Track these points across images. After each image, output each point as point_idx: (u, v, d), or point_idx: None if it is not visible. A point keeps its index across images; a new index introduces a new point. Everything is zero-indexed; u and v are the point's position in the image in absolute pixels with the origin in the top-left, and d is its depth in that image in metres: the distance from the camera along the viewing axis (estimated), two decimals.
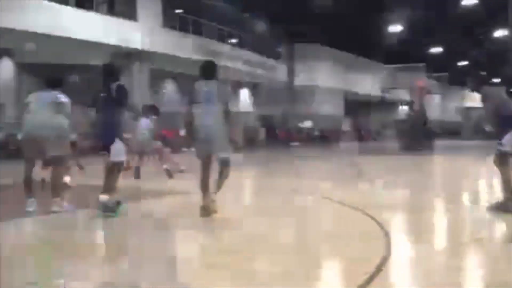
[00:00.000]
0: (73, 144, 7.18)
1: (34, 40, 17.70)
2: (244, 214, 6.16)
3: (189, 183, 8.47)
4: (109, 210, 5.82)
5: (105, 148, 6.02)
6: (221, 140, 5.89)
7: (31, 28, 16.64)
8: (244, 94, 32.03)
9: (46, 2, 17.45)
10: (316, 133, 31.60)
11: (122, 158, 6.10)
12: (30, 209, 6.03)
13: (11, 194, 6.65)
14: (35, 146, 6.26)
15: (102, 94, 6.17)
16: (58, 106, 6.31)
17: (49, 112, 6.22)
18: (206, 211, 5.86)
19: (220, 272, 3.77)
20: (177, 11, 23.85)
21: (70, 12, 18.22)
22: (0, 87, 19.06)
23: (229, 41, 27.18)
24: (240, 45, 27.72)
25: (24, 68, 20.50)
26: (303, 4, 25.64)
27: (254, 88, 32.62)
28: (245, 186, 10.13)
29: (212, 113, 5.84)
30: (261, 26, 29.47)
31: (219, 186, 5.96)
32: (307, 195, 8.05)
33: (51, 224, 5.76)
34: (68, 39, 17.85)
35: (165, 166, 10.35)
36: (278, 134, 29.73)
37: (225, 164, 5.95)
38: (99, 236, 5.20)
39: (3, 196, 7.18)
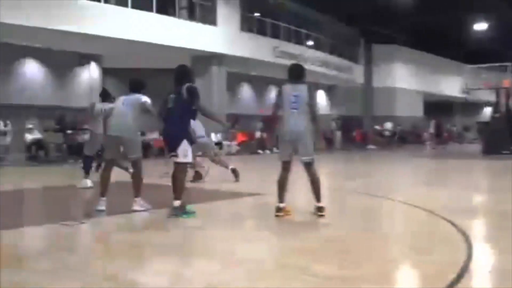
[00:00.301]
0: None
1: (119, 46, 18.54)
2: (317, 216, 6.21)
3: (258, 184, 8.66)
4: (182, 212, 6.06)
5: (172, 149, 6.18)
6: (308, 143, 6.07)
7: (116, 35, 17.44)
8: (321, 96, 31.92)
9: (129, 9, 18.23)
10: (395, 135, 30.89)
11: (189, 159, 6.28)
12: (101, 208, 6.37)
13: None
14: (117, 148, 6.64)
15: (171, 95, 6.33)
16: (141, 108, 6.62)
17: (131, 115, 6.53)
18: (281, 212, 6.03)
19: (292, 273, 3.88)
20: (254, 14, 24.14)
21: (153, 18, 18.90)
22: (91, 89, 20.05)
23: (306, 43, 27.17)
24: (317, 47, 27.64)
25: (110, 73, 21.53)
26: (380, 4, 25.20)
27: (331, 90, 32.42)
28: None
29: (301, 117, 6.03)
30: (338, 28, 29.28)
31: (317, 193, 6.10)
32: (382, 198, 8.00)
33: (136, 223, 6.05)
34: (150, 44, 18.53)
35: (231, 167, 10.44)
36: (355, 136, 29.37)
37: (308, 166, 6.12)
38: (176, 236, 5.41)
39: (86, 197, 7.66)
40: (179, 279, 3.88)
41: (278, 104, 6.15)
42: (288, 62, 23.92)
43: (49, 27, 15.72)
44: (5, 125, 16.03)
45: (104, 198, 6.44)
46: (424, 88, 35.38)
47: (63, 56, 18.79)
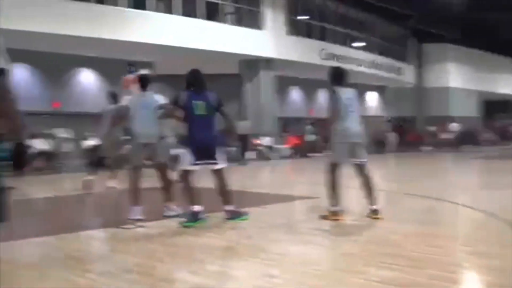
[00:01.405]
0: None
1: (169, 52, 18.88)
2: (372, 219, 6.14)
3: (309, 188, 8.61)
4: (236, 215, 6.12)
5: (210, 157, 6.14)
6: (363, 145, 6.20)
7: (166, 42, 17.80)
8: (371, 98, 31.57)
9: (178, 16, 18.56)
10: (451, 136, 30.04)
11: (226, 163, 6.32)
12: (139, 217, 6.23)
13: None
14: (145, 153, 6.54)
15: (195, 101, 6.14)
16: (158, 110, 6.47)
17: (153, 118, 6.44)
18: (335, 215, 6.01)
19: (348, 277, 3.85)
20: (301, 17, 24.11)
21: (201, 25, 19.17)
22: None
23: (355, 44, 26.93)
24: (365, 48, 27.37)
25: (160, 79, 21.90)
26: (431, 3, 24.72)
27: (381, 92, 32.00)
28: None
29: (357, 119, 6.17)
30: (386, 28, 28.89)
31: (371, 195, 6.13)
32: (440, 201, 7.83)
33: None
34: (199, 51, 18.79)
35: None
36: (408, 138, 28.82)
37: (363, 168, 6.17)
38: (230, 238, 5.45)
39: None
40: (233, 281, 3.91)
41: (335, 108, 6.13)
42: (335, 64, 24.00)
43: (102, 36, 16.22)
44: (65, 132, 16.60)
45: (138, 208, 6.31)
46: (479, 87, 34.38)
47: (115, 65, 19.28)
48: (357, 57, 25.91)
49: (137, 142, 6.49)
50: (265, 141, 21.57)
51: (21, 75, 16.47)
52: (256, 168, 17.70)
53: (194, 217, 5.93)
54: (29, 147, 13.36)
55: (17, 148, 2.42)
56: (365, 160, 6.18)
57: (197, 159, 6.03)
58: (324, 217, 6.11)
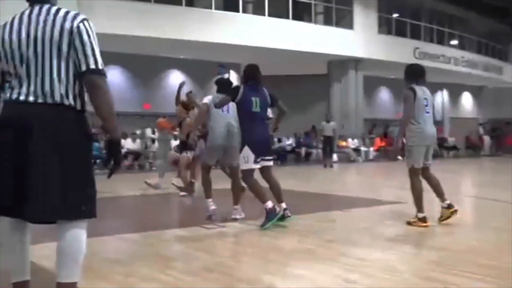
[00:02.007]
0: None
1: (257, 54, 19.13)
2: (458, 227, 5.92)
3: (397, 192, 8.41)
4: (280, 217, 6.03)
5: (267, 153, 6.24)
6: (433, 148, 6.23)
7: (254, 43, 18.06)
8: (466, 98, 30.33)
9: (266, 17, 18.77)
10: None
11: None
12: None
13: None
14: (219, 155, 6.68)
15: (253, 96, 6.12)
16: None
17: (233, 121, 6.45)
18: (422, 221, 5.88)
19: (432, 285, 3.76)
20: (393, 15, 23.63)
21: (289, 25, 19.26)
22: None
23: (449, 42, 26.00)
24: (462, 46, 26.32)
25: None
26: None
27: (477, 92, 30.63)
28: (459, 196, 9.67)
29: (431, 121, 6.09)
30: (485, 24, 27.58)
31: (440, 193, 6.07)
32: None
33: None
34: (287, 51, 18.90)
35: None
36: (507, 141, 27.41)
37: (428, 170, 6.15)
38: (311, 241, 5.45)
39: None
40: (311, 284, 3.92)
41: (413, 108, 5.99)
42: (430, 63, 23.29)
43: (191, 38, 16.75)
44: (153, 133, 17.30)
45: (213, 208, 6.59)
46: None
47: (203, 66, 19.82)
48: (453, 56, 24.99)
49: (215, 143, 6.59)
50: (352, 143, 21.35)
51: (114, 77, 17.34)
52: (342, 171, 17.55)
53: (271, 215, 5.90)
54: (122, 146, 14.08)
55: (111, 148, 2.58)
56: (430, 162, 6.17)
57: (257, 157, 6.02)
58: (410, 223, 5.99)
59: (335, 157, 19.42)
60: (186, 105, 9.09)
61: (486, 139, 26.73)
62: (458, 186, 11.62)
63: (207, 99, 6.84)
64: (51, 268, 3.48)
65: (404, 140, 6.18)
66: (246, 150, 5.97)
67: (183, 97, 9.34)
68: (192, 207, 8.53)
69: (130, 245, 5.41)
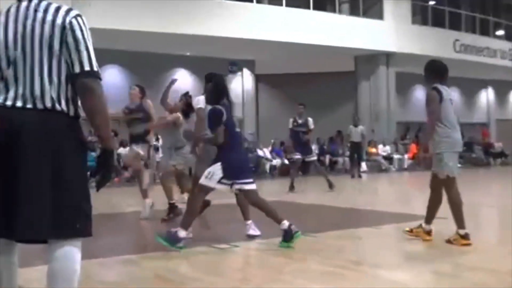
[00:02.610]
0: None
1: (273, 49, 19.22)
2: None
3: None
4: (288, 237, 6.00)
5: (248, 176, 6.29)
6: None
7: (270, 37, 18.13)
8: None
9: (284, 8, 18.84)
10: None
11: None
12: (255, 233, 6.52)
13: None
14: None
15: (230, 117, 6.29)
16: None
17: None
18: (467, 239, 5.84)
19: None
20: (429, 3, 23.58)
21: (310, 16, 19.30)
22: (244, 100, 20.98)
23: (495, 32, 25.84)
24: (509, 36, 26.14)
25: (263, 79, 22.39)
26: None
27: None
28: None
29: (458, 126, 6.11)
30: None
31: (458, 217, 5.96)
32: None
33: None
34: (308, 46, 18.96)
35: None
36: None
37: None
38: (331, 261, 5.47)
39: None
40: None
41: (439, 110, 5.99)
42: (473, 57, 23.18)
43: (198, 33, 16.85)
44: (157, 140, 17.38)
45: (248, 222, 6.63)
46: None
47: (212, 64, 19.87)
48: (499, 48, 24.84)
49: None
50: (383, 149, 21.29)
51: (111, 77, 17.48)
52: (372, 182, 17.50)
53: (288, 235, 5.96)
54: (119, 156, 14.16)
55: (104, 158, 2.61)
56: None
57: (232, 179, 6.10)
58: (450, 241, 5.96)
59: (364, 166, 19.37)
60: (185, 110, 8.76)
61: None
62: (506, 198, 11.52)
63: (201, 103, 6.91)
64: None
65: (431, 147, 6.17)
66: (217, 168, 6.06)
67: (171, 100, 9.07)
68: (198, 223, 8.55)
69: (129, 267, 5.45)
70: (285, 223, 6.00)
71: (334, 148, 21.18)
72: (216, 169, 6.04)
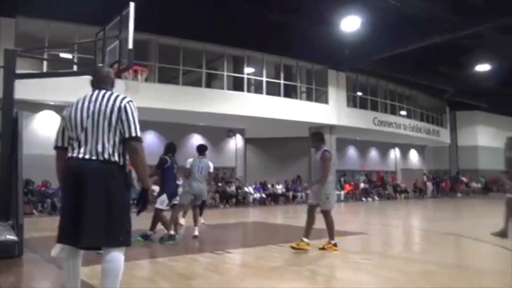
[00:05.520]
0: None
1: (257, 122, 19.36)
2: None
3: (362, 226, 8.19)
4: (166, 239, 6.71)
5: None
6: None
7: (255, 114, 18.29)
8: (413, 155, 30.46)
9: (264, 95, 19.09)
10: (479, 185, 28.23)
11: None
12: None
13: None
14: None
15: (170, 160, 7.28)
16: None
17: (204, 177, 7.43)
18: None
19: None
20: (358, 94, 23.99)
21: (281, 101, 19.58)
22: (236, 155, 21.00)
23: (400, 113, 26.24)
24: (409, 115, 26.57)
25: (250, 142, 22.45)
26: (463, 81, 23.85)
27: (422, 150, 30.79)
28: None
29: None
30: (426, 100, 28.03)
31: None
32: (470, 239, 7.31)
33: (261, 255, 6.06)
34: (279, 120, 19.15)
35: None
36: (443, 186, 27.38)
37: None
38: (296, 263, 5.35)
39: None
40: None
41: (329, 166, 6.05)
42: (386, 128, 23.41)
43: (209, 111, 17.00)
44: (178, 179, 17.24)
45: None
46: (503, 145, 31.98)
47: (217, 131, 20.01)
48: (402, 123, 25.22)
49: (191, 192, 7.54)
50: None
51: (150, 140, 17.48)
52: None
53: (170, 239, 6.81)
54: (153, 192, 14.02)
55: (142, 194, 2.63)
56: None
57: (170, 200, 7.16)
58: (324, 248, 5.99)
59: None
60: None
61: (429, 185, 26.64)
62: (407, 221, 11.47)
63: (188, 164, 7.80)
64: (97, 285, 3.44)
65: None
66: (164, 196, 6.97)
67: None
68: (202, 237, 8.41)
69: (157, 266, 5.34)
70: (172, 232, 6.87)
71: (295, 187, 21.10)
72: (164, 198, 7.00)
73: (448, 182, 28.06)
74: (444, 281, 4.35)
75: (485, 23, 15.96)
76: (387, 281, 4.35)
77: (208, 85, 17.97)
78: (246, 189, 18.97)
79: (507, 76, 22.45)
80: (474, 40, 18.11)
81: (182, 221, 8.32)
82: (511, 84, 23.99)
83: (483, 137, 30.71)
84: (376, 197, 23.16)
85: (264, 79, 19.36)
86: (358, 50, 18.95)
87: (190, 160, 7.66)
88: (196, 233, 7.40)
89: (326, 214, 6.06)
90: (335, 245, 5.99)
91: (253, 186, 19.66)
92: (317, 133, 6.46)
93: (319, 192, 5.99)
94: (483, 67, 21.72)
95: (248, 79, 19.09)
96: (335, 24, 16.99)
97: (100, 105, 2.90)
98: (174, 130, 18.09)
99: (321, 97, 21.65)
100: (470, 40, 17.99)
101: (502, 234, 7.10)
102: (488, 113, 30.67)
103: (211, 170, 7.62)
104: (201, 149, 7.62)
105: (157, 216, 7.10)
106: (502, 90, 25.08)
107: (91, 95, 2.98)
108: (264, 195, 19.24)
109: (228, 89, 18.22)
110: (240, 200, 18.14)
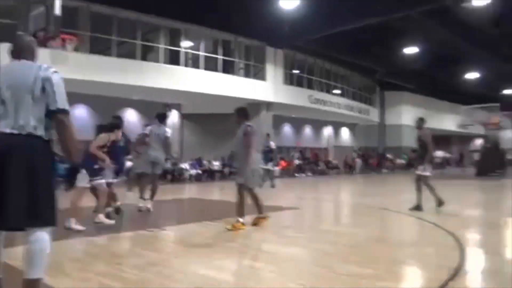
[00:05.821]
0: None
1: (194, 97, 19.05)
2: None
3: (295, 200, 8.41)
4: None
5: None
6: None
7: (192, 89, 17.97)
8: (345, 132, 31.66)
9: (202, 70, 18.78)
10: (404, 161, 30.10)
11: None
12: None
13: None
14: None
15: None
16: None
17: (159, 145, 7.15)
18: None
19: (326, 272, 3.80)
20: (295, 71, 24.31)
21: (219, 77, 19.37)
22: (172, 131, 20.59)
23: (333, 91, 27.01)
24: (342, 94, 27.44)
25: (187, 117, 22.10)
26: (392, 62, 24.96)
27: (353, 128, 32.10)
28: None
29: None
30: (359, 80, 29.08)
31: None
32: (393, 212, 7.78)
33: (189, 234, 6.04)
34: (217, 96, 18.96)
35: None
36: (371, 163, 28.87)
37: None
38: (232, 239, 5.38)
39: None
40: (226, 272, 3.87)
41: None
42: (320, 107, 24.04)
43: (144, 84, 16.41)
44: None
45: None
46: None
47: (153, 106, 19.45)
48: (336, 102, 26.02)
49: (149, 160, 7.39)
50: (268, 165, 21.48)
51: (81, 114, 16.62)
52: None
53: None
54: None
55: (71, 170, 2.49)
56: None
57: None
58: (256, 224, 6.04)
59: None
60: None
61: (358, 161, 27.90)
62: (335, 195, 11.95)
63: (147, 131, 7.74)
64: (20, 267, 3.23)
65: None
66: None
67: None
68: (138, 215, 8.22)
69: (88, 246, 5.14)
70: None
71: (231, 163, 21.12)
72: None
73: (375, 158, 29.58)
74: (369, 251, 4.59)
75: (416, 7, 16.66)
76: (317, 252, 4.52)
77: (144, 57, 17.29)
78: (182, 165, 18.73)
79: (432, 59, 23.84)
80: (405, 23, 18.91)
81: (149, 204, 7.71)
82: (435, 67, 25.59)
83: (407, 116, 32.54)
84: (309, 173, 23.89)
85: (202, 53, 18.98)
86: (297, 28, 19.08)
87: (149, 127, 7.38)
88: (149, 205, 7.13)
89: (250, 191, 5.97)
90: (242, 224, 5.86)
91: (189, 162, 19.47)
92: (241, 109, 6.34)
93: (243, 169, 5.87)
94: (411, 50, 22.79)
95: (186, 53, 18.62)
96: (275, 1, 16.92)
97: (22, 76, 2.66)
98: (107, 104, 17.30)
99: (259, 74, 21.68)
100: (402, 22, 18.76)
101: (418, 208, 7.61)
102: (414, 94, 32.48)
103: (168, 135, 7.28)
104: (161, 117, 7.32)
105: (100, 192, 6.38)
106: (427, 72, 26.65)
107: (11, 66, 2.72)
108: (200, 171, 19.13)
109: (165, 62, 17.68)
110: (176, 177, 17.91)
